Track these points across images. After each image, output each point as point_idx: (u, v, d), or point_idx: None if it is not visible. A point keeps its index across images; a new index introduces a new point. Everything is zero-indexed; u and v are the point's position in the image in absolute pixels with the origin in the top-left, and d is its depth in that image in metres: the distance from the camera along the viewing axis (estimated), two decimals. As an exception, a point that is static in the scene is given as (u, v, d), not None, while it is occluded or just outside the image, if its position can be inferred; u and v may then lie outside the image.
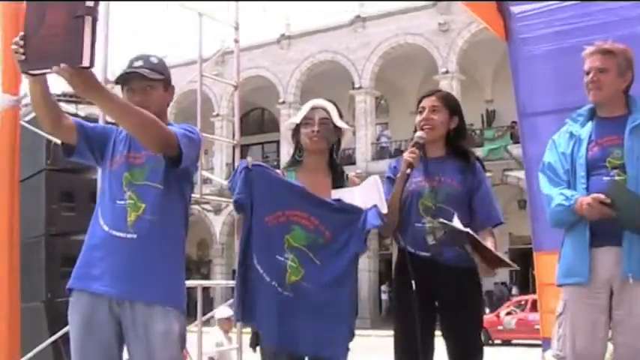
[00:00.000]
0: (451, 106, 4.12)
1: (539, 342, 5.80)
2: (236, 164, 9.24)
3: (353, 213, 3.50)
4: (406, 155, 3.91)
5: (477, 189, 4.04)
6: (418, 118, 4.08)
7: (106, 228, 3.19)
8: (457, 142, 4.12)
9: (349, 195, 3.63)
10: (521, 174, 24.69)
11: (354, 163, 31.20)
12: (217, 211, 34.89)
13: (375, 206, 3.48)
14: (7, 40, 2.91)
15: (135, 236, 3.15)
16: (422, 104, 4.09)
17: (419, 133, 3.99)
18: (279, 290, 3.48)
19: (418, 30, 32.40)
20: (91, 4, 2.58)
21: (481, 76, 33.77)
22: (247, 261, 3.54)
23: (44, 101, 3.00)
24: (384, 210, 3.51)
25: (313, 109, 3.80)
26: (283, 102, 35.92)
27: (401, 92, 35.97)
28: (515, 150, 26.16)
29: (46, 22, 2.59)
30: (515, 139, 27.06)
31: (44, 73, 2.78)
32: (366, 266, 30.59)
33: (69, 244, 8.01)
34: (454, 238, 3.80)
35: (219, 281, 26.20)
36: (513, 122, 26.55)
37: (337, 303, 3.48)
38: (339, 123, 3.81)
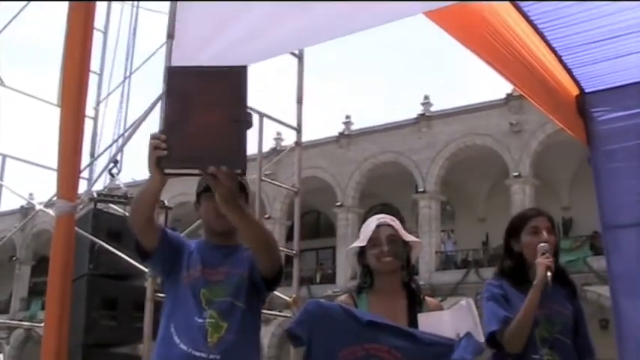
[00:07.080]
0: (554, 228, 4.06)
1: None
2: (294, 274, 9.21)
3: (442, 345, 3.26)
4: (543, 260, 3.78)
5: (581, 317, 4.02)
6: (529, 237, 3.96)
7: (184, 347, 3.20)
8: (559, 268, 4.01)
9: (437, 320, 3.42)
10: (602, 289, 24.06)
11: (416, 274, 30.84)
12: (266, 321, 34.72)
13: (469, 334, 3.25)
14: (65, 149, 2.99)
15: (218, 357, 3.18)
16: (533, 224, 4.00)
17: (544, 244, 3.86)
18: None
19: (488, 130, 32.48)
20: (249, 112, 2.68)
21: (557, 180, 33.49)
22: None
23: (154, 200, 3.03)
24: (481, 338, 3.29)
25: (378, 226, 3.63)
26: (341, 205, 36.04)
27: (468, 197, 35.91)
28: (596, 262, 25.65)
29: (193, 121, 2.60)
30: (596, 251, 26.62)
31: (185, 174, 2.78)
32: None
33: (107, 356, 8.07)
34: None
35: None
36: (595, 232, 26.08)
37: None
38: (409, 237, 3.69)
